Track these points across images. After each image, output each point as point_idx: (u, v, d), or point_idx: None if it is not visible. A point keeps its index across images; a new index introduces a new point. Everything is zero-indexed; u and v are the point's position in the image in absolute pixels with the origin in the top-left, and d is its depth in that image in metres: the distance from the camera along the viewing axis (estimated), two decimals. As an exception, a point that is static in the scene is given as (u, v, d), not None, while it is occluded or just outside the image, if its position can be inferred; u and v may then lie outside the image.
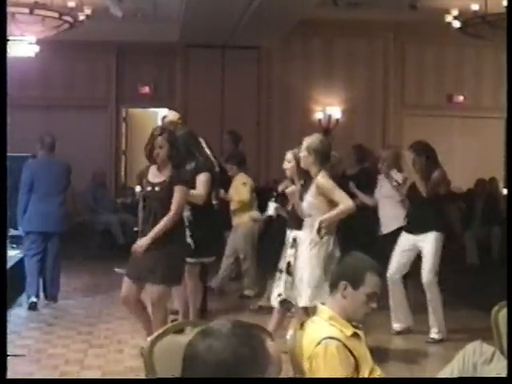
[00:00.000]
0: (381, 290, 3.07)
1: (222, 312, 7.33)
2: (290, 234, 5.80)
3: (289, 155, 6.02)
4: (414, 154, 6.66)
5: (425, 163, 6.61)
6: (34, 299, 7.46)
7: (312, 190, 5.48)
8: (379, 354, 5.32)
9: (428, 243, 6.52)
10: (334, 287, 3.05)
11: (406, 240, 6.64)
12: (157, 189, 5.47)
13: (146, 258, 5.38)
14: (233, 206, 8.03)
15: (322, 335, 2.89)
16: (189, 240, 6.18)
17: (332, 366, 2.84)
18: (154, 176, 5.54)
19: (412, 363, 5.96)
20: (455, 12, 9.73)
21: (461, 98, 13.79)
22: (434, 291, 6.53)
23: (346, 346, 2.88)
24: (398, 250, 6.67)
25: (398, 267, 6.66)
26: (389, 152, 7.56)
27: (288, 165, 5.99)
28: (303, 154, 5.50)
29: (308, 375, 2.90)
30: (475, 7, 9.34)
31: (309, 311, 5.24)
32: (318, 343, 2.87)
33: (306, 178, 5.59)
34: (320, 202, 5.48)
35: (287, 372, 3.07)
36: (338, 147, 13.78)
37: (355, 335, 2.99)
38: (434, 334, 6.52)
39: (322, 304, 3.10)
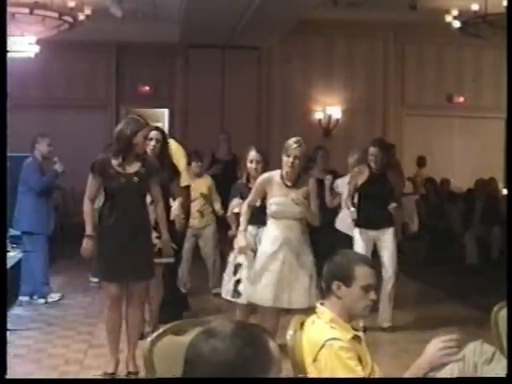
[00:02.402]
0: (375, 280, 3.04)
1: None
2: (258, 230, 5.80)
3: (256, 155, 5.88)
4: (383, 151, 6.78)
5: (386, 161, 6.80)
6: (21, 298, 7.68)
7: (302, 190, 5.43)
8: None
9: (388, 238, 6.76)
10: (327, 289, 3.03)
11: (364, 235, 6.74)
12: (135, 179, 5.21)
13: (131, 256, 5.18)
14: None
15: (324, 338, 2.88)
16: (156, 241, 6.18)
17: (339, 365, 2.83)
18: (123, 166, 5.23)
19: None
20: (455, 12, 9.74)
21: (461, 98, 13.80)
22: (395, 282, 6.79)
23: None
24: (360, 247, 6.70)
25: None
26: (355, 158, 7.56)
27: (258, 165, 5.86)
28: (303, 159, 5.39)
29: (315, 377, 2.88)
30: (475, 7, 9.34)
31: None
32: (322, 346, 2.86)
33: (294, 180, 5.47)
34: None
35: (287, 372, 3.08)
36: (338, 147, 13.87)
37: (356, 337, 2.99)
38: (387, 323, 6.83)
39: (321, 305, 3.08)
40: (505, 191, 11.12)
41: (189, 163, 8.19)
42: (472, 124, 13.90)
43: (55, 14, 9.24)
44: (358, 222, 6.82)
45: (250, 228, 5.83)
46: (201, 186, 8.09)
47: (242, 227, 5.51)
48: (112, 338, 5.39)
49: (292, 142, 5.38)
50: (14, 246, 8.35)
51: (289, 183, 5.42)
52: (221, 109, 13.00)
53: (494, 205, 10.67)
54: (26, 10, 8.88)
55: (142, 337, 5.53)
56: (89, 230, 5.26)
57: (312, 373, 2.88)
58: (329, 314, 2.98)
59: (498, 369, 3.45)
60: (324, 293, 3.09)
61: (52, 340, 6.32)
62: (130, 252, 5.17)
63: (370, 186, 6.72)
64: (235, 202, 6.09)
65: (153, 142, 5.67)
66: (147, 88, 13.19)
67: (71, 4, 9.24)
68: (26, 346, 6.07)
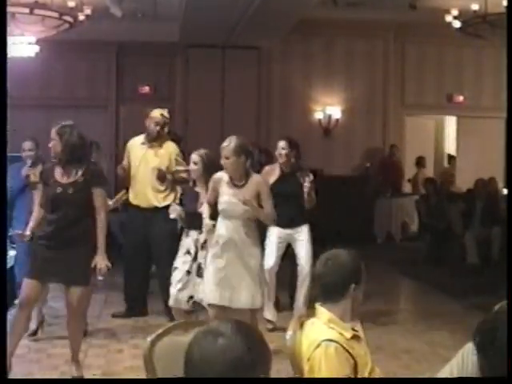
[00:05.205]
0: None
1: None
2: (199, 236, 5.82)
3: (195, 157, 5.93)
4: (292, 147, 6.77)
5: (296, 160, 6.82)
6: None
7: (250, 190, 5.39)
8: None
9: (303, 235, 6.76)
10: (344, 292, 3.02)
11: (279, 233, 6.72)
12: (70, 191, 5.11)
13: (64, 261, 5.06)
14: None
15: (321, 337, 2.89)
16: None
17: (331, 367, 2.84)
18: (62, 176, 5.16)
19: (407, 361, 5.96)
20: (455, 12, 9.73)
21: (461, 98, 13.80)
22: (311, 279, 6.67)
23: (345, 349, 2.88)
24: (274, 243, 6.72)
25: (277, 260, 6.72)
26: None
27: (195, 167, 5.92)
28: (233, 156, 5.31)
29: (307, 377, 2.90)
30: (475, 7, 9.34)
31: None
32: (318, 345, 2.87)
33: (242, 179, 5.41)
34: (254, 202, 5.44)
35: (287, 372, 3.08)
36: (338, 147, 13.87)
37: (355, 337, 2.99)
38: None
39: (321, 306, 3.08)
40: (505, 191, 11.13)
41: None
42: (472, 124, 13.90)
43: (55, 14, 9.23)
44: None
45: (192, 232, 5.88)
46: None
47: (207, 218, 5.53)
48: (12, 339, 5.13)
49: (224, 143, 5.37)
50: (14, 246, 8.34)
51: (236, 183, 5.40)
52: (221, 109, 13.01)
53: (494, 205, 10.67)
54: (26, 10, 8.87)
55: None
56: (29, 227, 5.34)
57: (305, 371, 2.90)
58: (327, 314, 2.99)
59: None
60: (328, 294, 3.06)
61: (52, 340, 6.32)
62: (64, 257, 5.05)
63: (280, 184, 6.61)
64: (172, 207, 6.13)
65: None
66: (147, 88, 13.19)
67: (71, 4, 9.24)
68: (26, 346, 6.07)
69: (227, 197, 5.38)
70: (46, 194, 5.21)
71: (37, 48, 10.20)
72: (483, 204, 10.69)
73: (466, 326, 6.91)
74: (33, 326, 6.21)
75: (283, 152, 6.73)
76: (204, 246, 5.76)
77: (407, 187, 13.84)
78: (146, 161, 6.96)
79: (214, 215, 5.60)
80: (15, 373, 5.11)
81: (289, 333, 3.02)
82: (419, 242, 11.67)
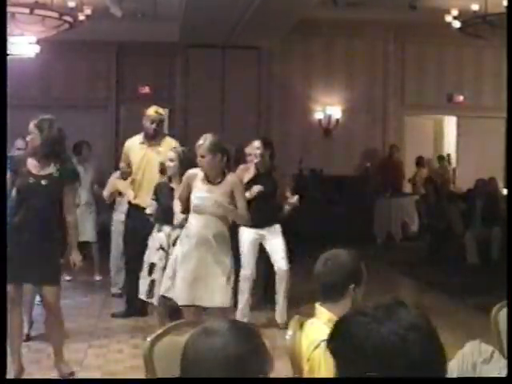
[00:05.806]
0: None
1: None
2: (173, 231, 5.85)
3: (172, 154, 6.03)
4: (266, 148, 6.79)
5: (271, 160, 6.84)
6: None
7: (225, 188, 5.37)
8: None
9: (276, 235, 6.72)
10: (344, 292, 3.01)
11: (252, 235, 6.67)
12: (43, 182, 4.99)
13: (34, 258, 4.95)
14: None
15: (320, 338, 2.89)
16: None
17: (331, 368, 2.83)
18: (36, 167, 5.03)
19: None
20: (455, 12, 9.74)
21: (461, 97, 13.80)
22: (288, 278, 6.64)
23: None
24: (249, 247, 6.69)
25: (253, 267, 6.70)
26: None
27: (171, 163, 5.99)
28: (209, 155, 5.28)
29: (307, 377, 2.90)
30: (475, 7, 9.35)
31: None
32: (317, 346, 2.87)
33: (218, 177, 5.39)
34: (227, 201, 5.42)
35: (287, 372, 3.08)
36: (338, 147, 13.87)
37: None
38: (283, 318, 6.57)
39: (320, 306, 3.08)
40: (505, 191, 11.12)
41: None
42: (472, 124, 13.90)
43: (55, 14, 9.24)
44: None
45: (165, 227, 5.92)
46: None
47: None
48: (12, 342, 5.09)
49: (199, 141, 5.36)
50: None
51: (211, 180, 5.37)
52: (221, 109, 13.01)
53: (494, 205, 10.67)
54: (26, 10, 8.88)
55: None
56: None
57: (305, 372, 2.89)
58: (327, 314, 2.99)
59: (497, 368, 3.46)
60: (327, 294, 3.06)
61: (52, 340, 6.32)
62: (33, 254, 4.95)
63: (254, 184, 6.61)
64: (148, 202, 6.23)
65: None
66: (147, 88, 13.19)
67: (71, 4, 9.25)
68: (26, 346, 6.07)
69: (201, 192, 5.34)
70: (16, 184, 5.06)
71: (37, 48, 10.20)
72: (483, 204, 10.69)
73: (466, 325, 6.92)
74: (24, 330, 6.18)
75: (258, 152, 6.74)
76: (175, 242, 5.72)
77: (407, 187, 13.84)
78: (148, 161, 6.93)
79: (185, 211, 5.58)
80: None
81: (289, 333, 3.02)
82: (419, 242, 11.67)
